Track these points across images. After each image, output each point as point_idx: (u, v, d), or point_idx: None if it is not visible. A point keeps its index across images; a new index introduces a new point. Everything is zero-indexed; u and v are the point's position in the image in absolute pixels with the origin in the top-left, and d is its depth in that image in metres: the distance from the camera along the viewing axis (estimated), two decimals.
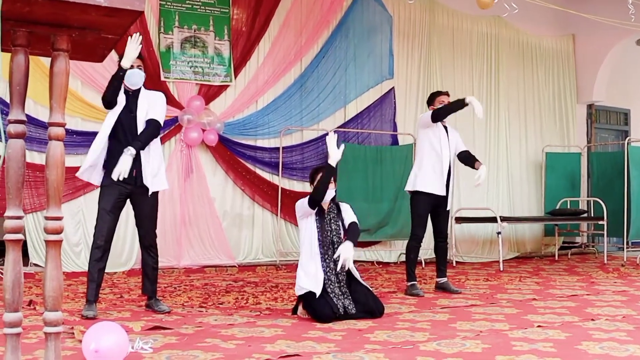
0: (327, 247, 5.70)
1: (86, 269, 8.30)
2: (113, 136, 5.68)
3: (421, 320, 5.51)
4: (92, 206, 8.66)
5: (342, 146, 5.85)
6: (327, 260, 5.63)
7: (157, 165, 5.84)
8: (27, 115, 2.43)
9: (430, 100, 7.52)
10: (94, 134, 8.57)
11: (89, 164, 5.63)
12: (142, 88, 5.86)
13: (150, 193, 5.77)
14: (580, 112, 13.50)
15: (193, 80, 9.44)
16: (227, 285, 7.74)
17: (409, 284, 7.21)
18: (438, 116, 7.23)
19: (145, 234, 5.87)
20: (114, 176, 5.55)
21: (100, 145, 5.63)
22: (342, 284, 5.63)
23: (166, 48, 9.27)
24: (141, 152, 5.69)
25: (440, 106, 7.28)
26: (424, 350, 4.34)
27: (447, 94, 7.51)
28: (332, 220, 5.81)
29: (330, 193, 5.72)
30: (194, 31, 9.49)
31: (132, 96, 5.78)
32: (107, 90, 5.62)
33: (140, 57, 5.74)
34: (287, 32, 10.21)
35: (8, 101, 2.32)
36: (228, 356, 4.10)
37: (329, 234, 5.74)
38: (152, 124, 5.77)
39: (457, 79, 11.84)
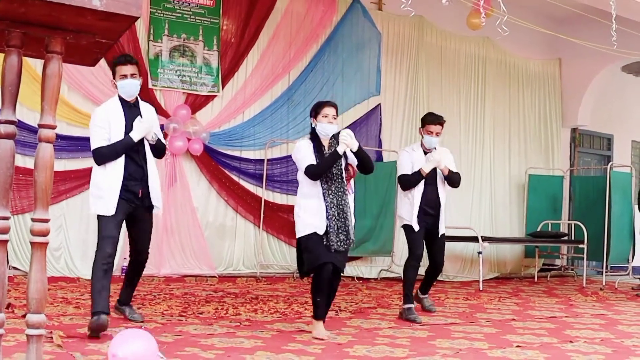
0: (330, 181, 5.42)
1: (66, 274, 8.37)
2: (125, 157, 5.42)
3: (401, 337, 5.52)
4: (73, 211, 8.68)
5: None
6: (331, 196, 5.37)
7: (158, 185, 5.70)
8: None
9: (422, 124, 6.95)
10: (80, 138, 8.63)
11: (105, 193, 5.31)
12: (138, 97, 5.65)
13: (151, 211, 5.67)
14: (565, 135, 13.59)
15: (180, 89, 9.44)
16: (207, 295, 7.72)
17: (406, 307, 6.67)
18: (403, 185, 6.92)
19: (142, 249, 5.71)
20: (150, 137, 5.51)
21: (121, 172, 5.35)
22: (342, 216, 5.36)
23: (155, 56, 9.27)
24: (149, 172, 5.53)
25: (406, 178, 6.82)
26: None
27: (440, 122, 6.88)
28: None
29: (332, 128, 5.49)
30: (183, 40, 9.49)
31: (133, 107, 5.54)
32: (111, 152, 5.30)
33: (135, 62, 5.57)
34: (276, 45, 10.23)
35: None
36: None
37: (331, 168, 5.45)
38: (164, 146, 5.82)
39: (444, 98, 11.89)
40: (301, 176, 5.49)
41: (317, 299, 5.40)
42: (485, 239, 10.34)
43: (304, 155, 5.45)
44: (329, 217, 5.31)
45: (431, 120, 6.85)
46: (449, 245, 11.34)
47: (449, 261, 11.57)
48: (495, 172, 12.54)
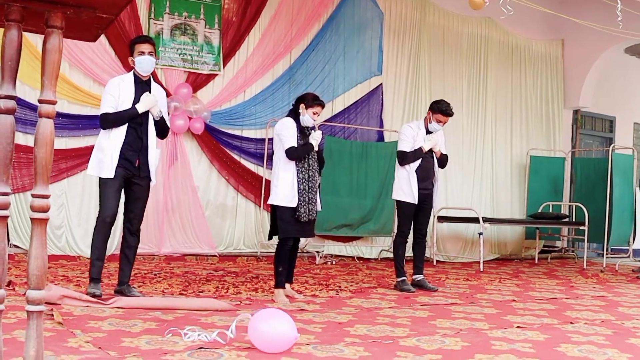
0: (304, 159, 6.21)
1: (67, 252, 8.36)
2: (128, 126, 5.81)
3: (401, 317, 5.52)
4: (75, 189, 8.67)
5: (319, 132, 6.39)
6: (303, 172, 6.17)
7: (155, 160, 6.00)
8: None
9: (433, 110, 7.30)
10: (81, 116, 8.61)
11: (107, 158, 5.70)
12: (151, 77, 6.01)
13: (148, 181, 5.98)
14: (566, 117, 13.56)
15: (181, 67, 9.41)
16: (208, 274, 7.72)
17: (399, 279, 7.28)
18: (401, 161, 7.34)
19: (135, 217, 5.94)
20: (155, 113, 5.87)
21: (121, 139, 5.74)
22: (311, 189, 6.18)
23: (156, 34, 9.22)
24: (148, 145, 5.88)
25: (407, 153, 7.27)
26: (403, 345, 4.35)
27: (448, 113, 7.24)
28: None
29: (309, 120, 6.28)
30: (185, 18, 9.45)
31: (144, 84, 5.91)
32: (116, 118, 5.73)
33: (152, 42, 5.98)
34: (278, 24, 10.18)
35: None
36: (208, 343, 4.08)
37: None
38: (168, 128, 6.19)
39: (446, 78, 11.86)
40: (282, 151, 6.18)
41: (280, 268, 6.24)
42: (486, 220, 10.34)
43: (291, 134, 6.17)
44: (300, 191, 6.12)
45: (445, 112, 7.25)
46: (450, 226, 11.43)
47: (449, 242, 11.63)
48: (497, 153, 12.52)
